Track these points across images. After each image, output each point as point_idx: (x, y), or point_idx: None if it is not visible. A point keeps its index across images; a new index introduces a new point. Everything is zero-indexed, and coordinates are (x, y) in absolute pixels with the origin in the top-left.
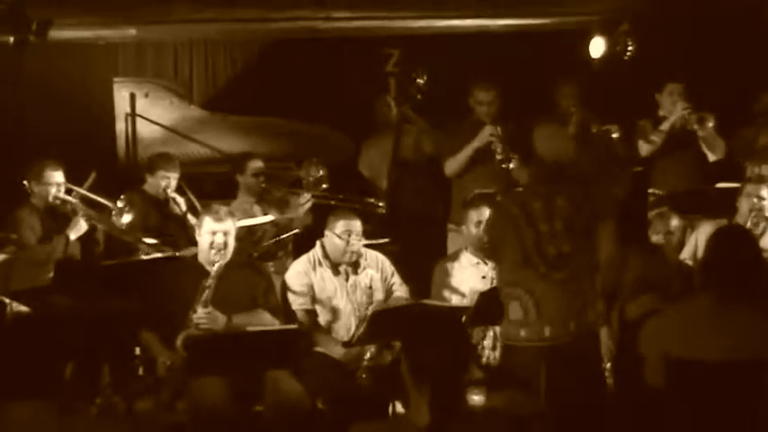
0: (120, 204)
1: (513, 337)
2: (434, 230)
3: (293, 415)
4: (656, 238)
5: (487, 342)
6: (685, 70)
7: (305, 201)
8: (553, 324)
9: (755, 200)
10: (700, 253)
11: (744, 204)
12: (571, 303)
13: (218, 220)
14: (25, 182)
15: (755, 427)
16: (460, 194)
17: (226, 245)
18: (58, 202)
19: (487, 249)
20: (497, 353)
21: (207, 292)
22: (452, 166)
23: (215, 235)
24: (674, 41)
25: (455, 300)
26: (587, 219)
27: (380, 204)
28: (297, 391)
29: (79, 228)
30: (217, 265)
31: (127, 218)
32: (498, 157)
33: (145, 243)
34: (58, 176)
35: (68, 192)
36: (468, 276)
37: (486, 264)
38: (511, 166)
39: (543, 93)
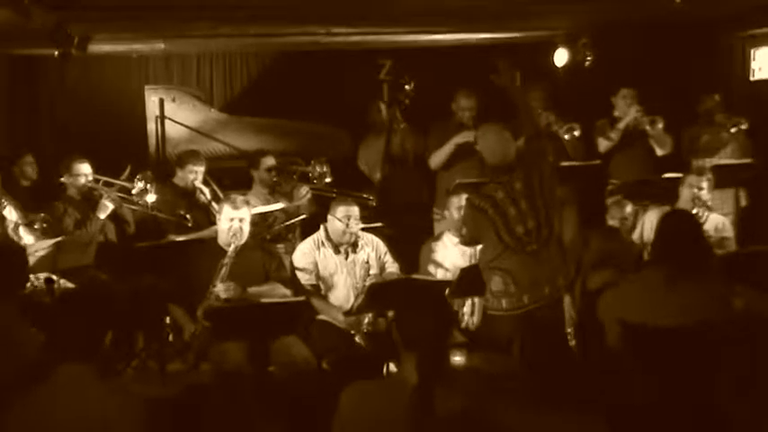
0: (140, 185)
1: (496, 307)
2: (421, 216)
3: (301, 375)
4: (612, 222)
5: (466, 309)
6: (637, 77)
7: (305, 192)
8: (530, 291)
9: (696, 189)
10: (646, 234)
11: (685, 192)
12: (544, 270)
13: (236, 208)
14: (62, 178)
15: (700, 380)
16: (444, 185)
17: (241, 229)
18: (86, 189)
19: (466, 240)
20: (476, 317)
21: (225, 269)
22: (437, 159)
23: (232, 221)
24: (627, 52)
25: (440, 274)
26: (545, 194)
27: (371, 198)
28: (304, 354)
29: (105, 209)
30: (233, 246)
31: (151, 197)
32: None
33: (172, 216)
34: (84, 168)
35: (96, 181)
36: (451, 254)
37: None
38: None
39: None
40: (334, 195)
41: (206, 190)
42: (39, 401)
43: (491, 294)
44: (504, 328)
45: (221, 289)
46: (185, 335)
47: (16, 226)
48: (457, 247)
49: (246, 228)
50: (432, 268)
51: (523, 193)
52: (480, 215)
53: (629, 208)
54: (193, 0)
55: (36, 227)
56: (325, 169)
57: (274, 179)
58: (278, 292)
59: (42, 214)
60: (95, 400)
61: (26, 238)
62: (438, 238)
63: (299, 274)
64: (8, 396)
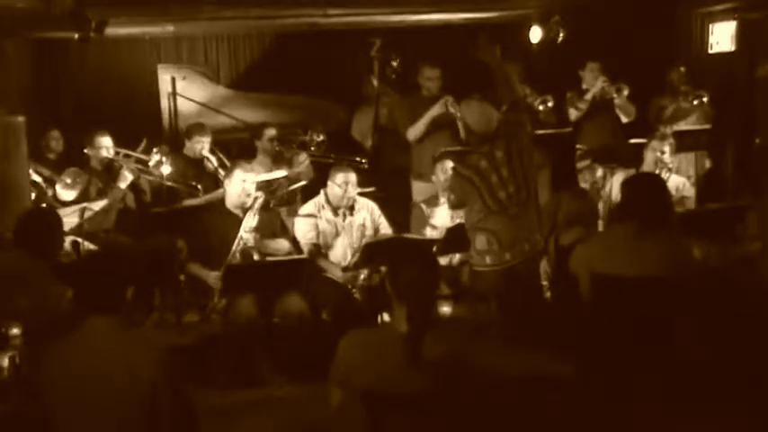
0: (156, 158)
1: (480, 263)
2: (407, 180)
3: (303, 325)
4: (584, 184)
5: None
6: (605, 51)
7: (304, 159)
8: (511, 249)
9: (659, 153)
10: (614, 194)
11: (649, 156)
12: (523, 230)
13: (246, 171)
14: (85, 150)
15: (663, 324)
16: (419, 154)
17: (252, 190)
18: (107, 161)
19: (453, 204)
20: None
21: (253, 220)
22: (415, 131)
23: (245, 182)
24: (596, 29)
25: (431, 233)
26: (523, 161)
27: (364, 161)
28: (298, 305)
29: (125, 179)
30: (259, 200)
31: (166, 169)
32: (457, 115)
33: (184, 185)
34: (106, 141)
35: (117, 153)
36: (441, 214)
37: None
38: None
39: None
40: (331, 161)
41: (212, 158)
42: (70, 349)
43: (476, 252)
44: (488, 282)
45: (250, 237)
46: (209, 281)
47: (51, 185)
48: (444, 207)
49: (253, 189)
50: (425, 229)
51: (504, 161)
52: (466, 183)
53: (599, 172)
54: None
55: (69, 182)
56: (321, 138)
57: (276, 148)
58: (284, 246)
59: (71, 169)
60: (120, 346)
61: (65, 194)
62: (434, 203)
63: (300, 234)
64: (43, 344)
